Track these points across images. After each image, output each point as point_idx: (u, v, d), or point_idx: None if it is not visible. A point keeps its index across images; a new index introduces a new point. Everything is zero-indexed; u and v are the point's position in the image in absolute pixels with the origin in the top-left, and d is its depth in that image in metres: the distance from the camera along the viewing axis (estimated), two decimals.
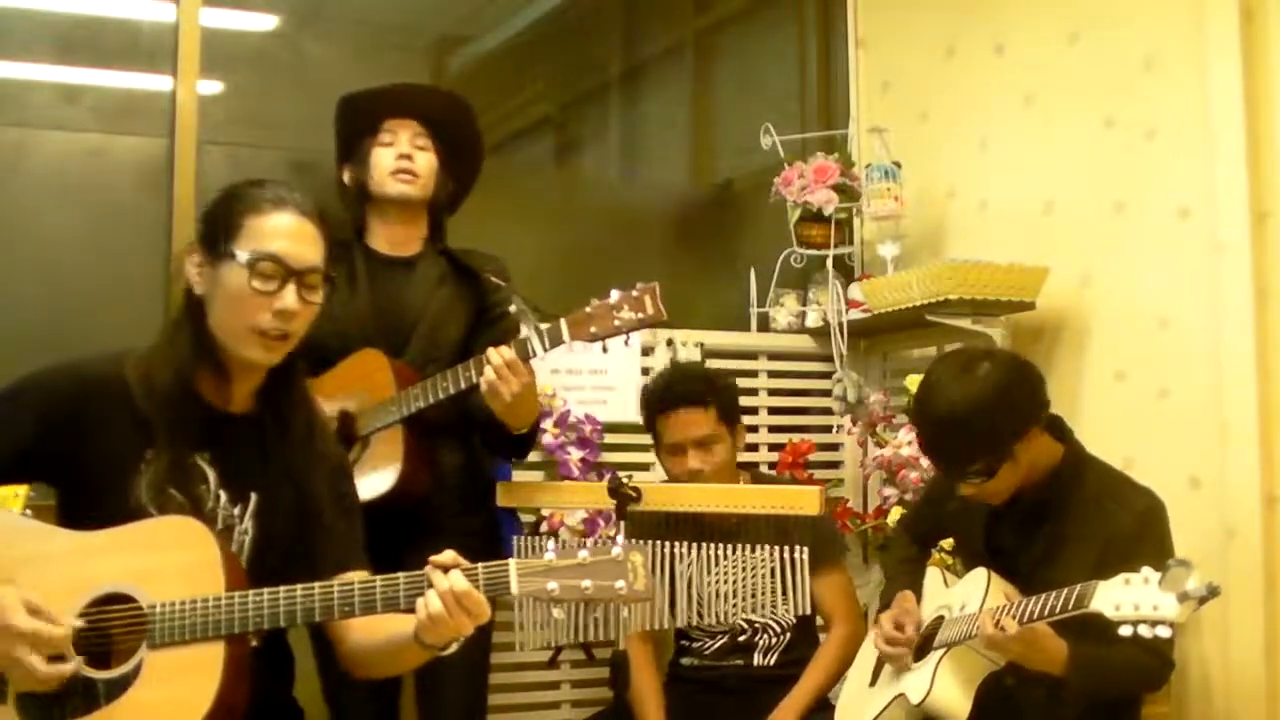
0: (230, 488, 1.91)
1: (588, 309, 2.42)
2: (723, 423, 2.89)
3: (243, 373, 1.93)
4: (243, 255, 1.84)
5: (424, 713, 2.71)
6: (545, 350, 2.44)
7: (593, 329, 2.41)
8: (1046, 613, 2.14)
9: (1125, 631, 1.98)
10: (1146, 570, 1.98)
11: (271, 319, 1.85)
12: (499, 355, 2.43)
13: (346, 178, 2.83)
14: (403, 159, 2.74)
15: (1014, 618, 2.17)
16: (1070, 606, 2.09)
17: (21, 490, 2.48)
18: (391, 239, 2.79)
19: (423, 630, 1.75)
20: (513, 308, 2.48)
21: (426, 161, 2.78)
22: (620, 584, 1.73)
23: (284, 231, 1.87)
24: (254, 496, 1.92)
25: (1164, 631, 1.95)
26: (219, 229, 1.88)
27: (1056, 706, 2.25)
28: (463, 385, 2.50)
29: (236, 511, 1.91)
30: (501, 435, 2.61)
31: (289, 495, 1.94)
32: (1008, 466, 2.33)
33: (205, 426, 1.91)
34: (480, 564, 1.75)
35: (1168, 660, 2.33)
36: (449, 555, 1.76)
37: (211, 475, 1.91)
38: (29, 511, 2.37)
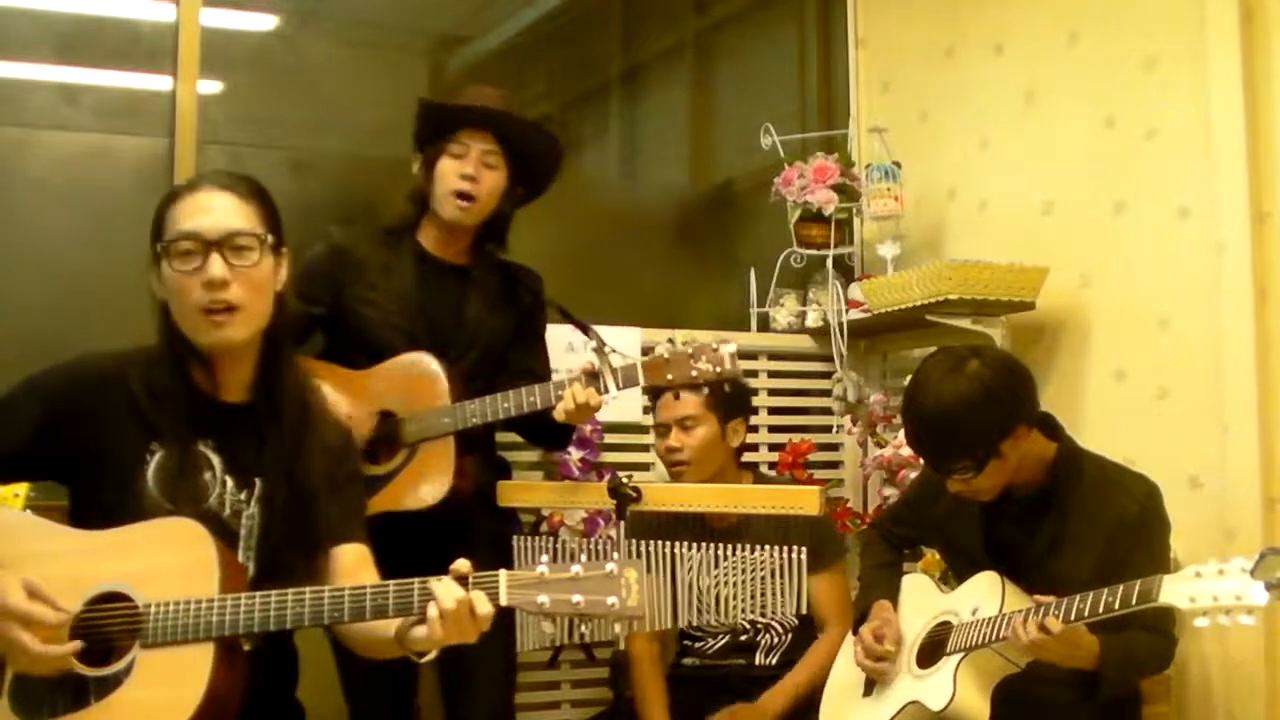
0: (235, 474, 1.94)
1: (665, 355, 2.44)
2: (710, 409, 2.92)
3: (225, 361, 1.95)
4: (160, 245, 1.89)
5: (451, 714, 2.72)
6: (619, 390, 2.46)
7: (669, 375, 2.44)
8: (1103, 610, 2.11)
9: (1202, 623, 1.98)
10: (1214, 561, 1.98)
11: (204, 293, 1.87)
12: (577, 396, 2.44)
13: (416, 170, 2.73)
14: (466, 180, 2.64)
15: (1058, 618, 2.15)
16: (1134, 602, 2.06)
17: (21, 490, 2.48)
18: (441, 244, 2.74)
19: (429, 635, 1.73)
20: (591, 345, 2.47)
21: (491, 182, 2.68)
22: (612, 600, 1.68)
23: (195, 208, 1.90)
24: (258, 482, 1.95)
25: (1246, 620, 1.94)
26: (152, 233, 1.93)
27: (1084, 702, 2.25)
28: (524, 410, 2.49)
29: (243, 497, 1.94)
30: (546, 426, 2.60)
31: (285, 479, 1.96)
32: (995, 463, 2.34)
33: (205, 417, 1.94)
34: (470, 575, 1.74)
35: (1174, 637, 2.36)
36: (464, 565, 1.75)
37: (216, 462, 1.94)
38: (29, 511, 2.37)
